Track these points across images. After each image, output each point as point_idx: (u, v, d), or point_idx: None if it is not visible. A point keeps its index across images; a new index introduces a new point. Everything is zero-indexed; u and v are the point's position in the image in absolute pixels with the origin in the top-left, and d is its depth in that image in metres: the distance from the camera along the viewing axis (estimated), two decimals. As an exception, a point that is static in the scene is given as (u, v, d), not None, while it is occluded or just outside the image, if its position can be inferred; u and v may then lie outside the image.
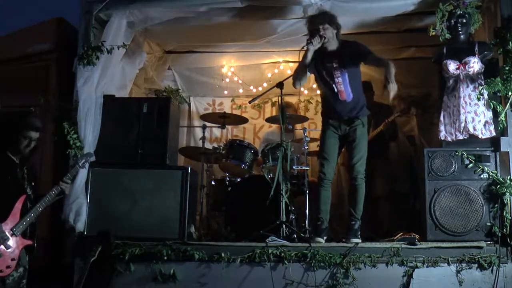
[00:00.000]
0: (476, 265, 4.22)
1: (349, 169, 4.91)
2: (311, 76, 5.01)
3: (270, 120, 6.44)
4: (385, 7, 5.10)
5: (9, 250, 3.68)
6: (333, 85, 4.72)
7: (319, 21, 4.68)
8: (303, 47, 4.73)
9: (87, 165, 4.42)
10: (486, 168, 4.49)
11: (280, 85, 5.00)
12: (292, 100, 6.93)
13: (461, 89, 4.57)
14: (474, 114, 4.52)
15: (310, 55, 4.67)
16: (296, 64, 4.87)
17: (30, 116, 3.97)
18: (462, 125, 4.52)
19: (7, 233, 3.67)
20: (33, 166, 4.13)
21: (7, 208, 3.74)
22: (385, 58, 4.76)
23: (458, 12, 4.64)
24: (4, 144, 3.87)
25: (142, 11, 5.24)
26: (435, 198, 4.50)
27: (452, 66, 4.60)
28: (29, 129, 3.85)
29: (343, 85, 4.70)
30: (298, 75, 4.79)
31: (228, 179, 5.73)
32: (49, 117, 5.04)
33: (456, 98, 4.59)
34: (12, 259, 3.70)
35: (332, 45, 4.74)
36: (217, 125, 6.26)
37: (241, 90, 7.06)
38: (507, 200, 4.35)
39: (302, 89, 6.73)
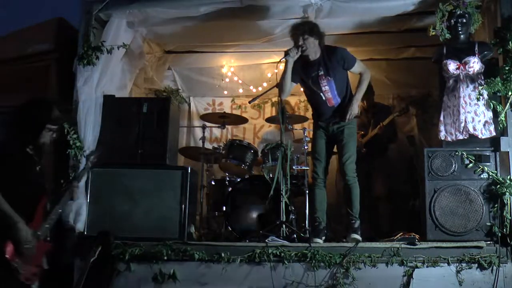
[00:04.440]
0: (476, 265, 4.21)
1: (340, 169, 4.94)
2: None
3: (270, 120, 6.44)
4: (385, 7, 5.10)
5: (34, 257, 3.46)
6: (321, 94, 4.78)
7: (299, 31, 4.72)
8: (281, 60, 4.81)
9: (96, 161, 4.19)
10: (486, 168, 4.48)
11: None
12: (291, 100, 6.93)
13: (461, 89, 4.56)
14: (474, 114, 4.52)
15: (290, 66, 4.74)
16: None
17: (54, 107, 3.68)
18: (462, 125, 4.51)
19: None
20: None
21: (30, 210, 3.49)
22: (368, 71, 4.87)
23: (458, 12, 4.63)
24: (27, 139, 3.57)
25: (142, 11, 5.24)
26: (435, 198, 4.50)
27: (452, 66, 4.60)
28: (57, 121, 3.63)
29: (330, 93, 4.76)
30: (282, 87, 4.84)
31: (228, 179, 5.72)
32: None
33: (456, 98, 4.59)
34: (37, 266, 3.52)
35: (315, 54, 4.77)
36: (217, 125, 6.26)
37: (241, 90, 7.06)
38: (507, 200, 4.35)
39: (301, 89, 6.72)
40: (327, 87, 4.74)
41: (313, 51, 4.75)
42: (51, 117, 3.61)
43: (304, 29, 4.71)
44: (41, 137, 3.60)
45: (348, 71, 4.88)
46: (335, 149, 4.98)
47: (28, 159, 3.58)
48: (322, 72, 4.73)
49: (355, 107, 4.76)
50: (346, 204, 4.79)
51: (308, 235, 4.83)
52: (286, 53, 4.71)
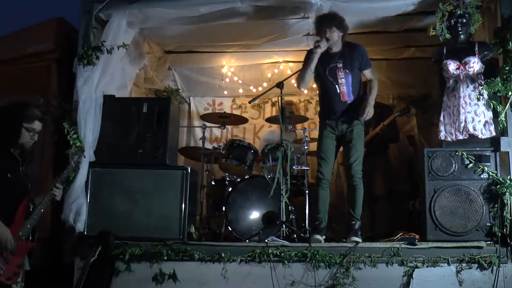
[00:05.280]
0: (476, 265, 4.22)
1: (346, 169, 4.93)
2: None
3: (270, 120, 6.44)
4: (385, 7, 5.10)
5: (16, 256, 3.46)
6: (336, 86, 4.77)
7: (327, 23, 4.72)
8: (311, 49, 4.77)
9: (81, 160, 4.22)
10: (486, 168, 4.49)
11: (280, 85, 5.00)
12: (293, 99, 6.93)
13: (461, 89, 4.57)
14: (474, 114, 4.52)
15: (317, 58, 4.72)
16: (297, 64, 4.88)
17: (31, 107, 3.72)
18: (462, 125, 4.52)
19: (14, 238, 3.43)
20: (29, 163, 3.83)
21: (12, 210, 3.51)
22: (376, 80, 4.92)
23: (458, 12, 4.64)
24: (7, 138, 3.60)
25: (142, 11, 5.23)
26: (435, 198, 4.50)
27: (452, 66, 4.60)
28: (33, 120, 3.63)
29: (345, 86, 4.75)
30: (303, 77, 4.83)
31: (228, 179, 5.72)
32: (49, 117, 5.02)
33: (456, 98, 4.59)
34: (19, 266, 3.53)
35: (337, 47, 4.79)
36: (217, 125, 6.25)
37: (241, 90, 7.06)
38: (507, 200, 4.35)
39: (301, 88, 6.74)
40: (343, 80, 4.74)
41: (336, 43, 4.77)
42: (26, 116, 3.63)
43: (333, 21, 4.73)
44: (20, 138, 3.62)
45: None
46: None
47: (11, 160, 3.61)
48: (341, 65, 4.75)
49: (372, 106, 4.73)
50: (349, 204, 4.79)
51: (308, 235, 4.83)
52: (317, 46, 4.69)
